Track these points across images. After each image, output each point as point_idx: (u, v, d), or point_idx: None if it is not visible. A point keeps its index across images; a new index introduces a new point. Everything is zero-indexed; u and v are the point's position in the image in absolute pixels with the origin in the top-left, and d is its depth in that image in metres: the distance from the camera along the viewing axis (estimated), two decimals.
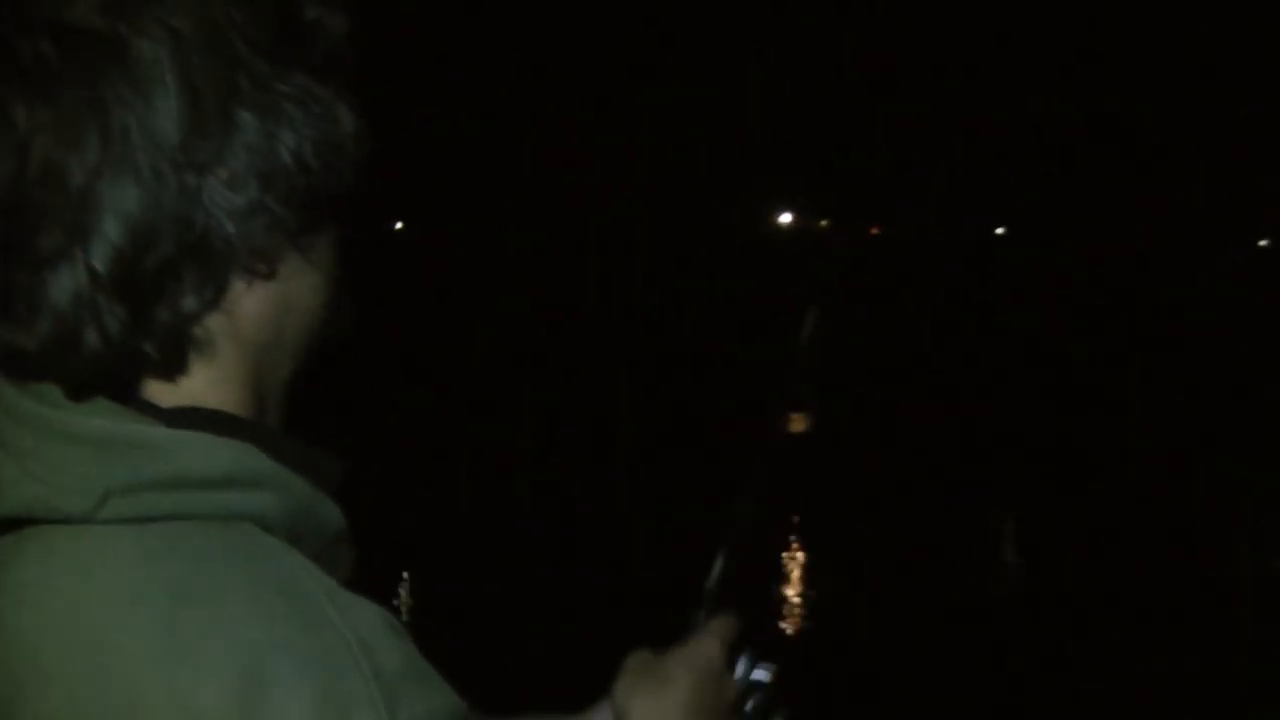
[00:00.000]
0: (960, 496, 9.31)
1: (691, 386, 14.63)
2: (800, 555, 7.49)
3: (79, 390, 0.94)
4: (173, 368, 0.93)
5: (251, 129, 0.90)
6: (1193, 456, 10.86)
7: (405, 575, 6.85)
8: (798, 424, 11.64)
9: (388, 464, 8.22)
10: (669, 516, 7.83)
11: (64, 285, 0.86)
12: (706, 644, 1.23)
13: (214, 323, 0.94)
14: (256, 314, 0.96)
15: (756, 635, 1.26)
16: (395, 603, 6.32)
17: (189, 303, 0.90)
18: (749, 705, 1.24)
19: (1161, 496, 9.30)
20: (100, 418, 0.91)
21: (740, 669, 1.23)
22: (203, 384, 0.96)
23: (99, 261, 0.85)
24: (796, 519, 7.90)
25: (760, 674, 1.24)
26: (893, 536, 8.04)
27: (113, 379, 0.93)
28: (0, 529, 0.91)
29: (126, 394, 0.93)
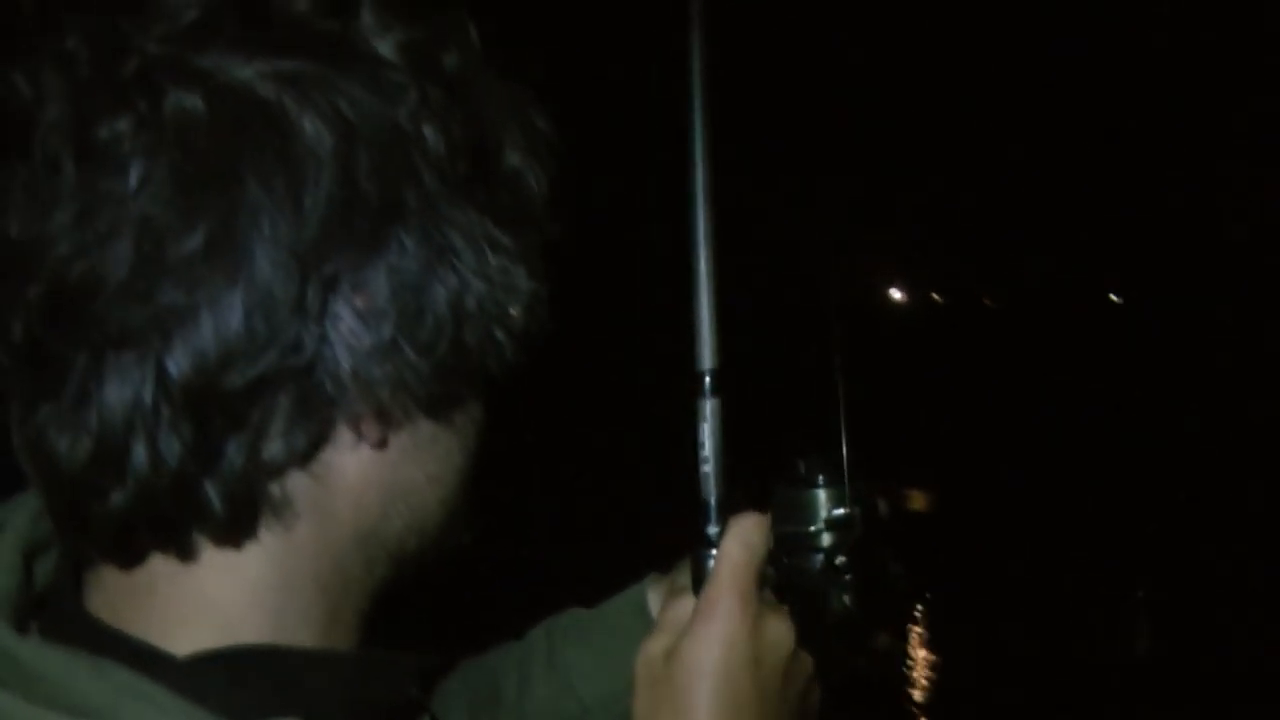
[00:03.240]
0: (1092, 569, 9.28)
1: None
2: (928, 632, 7.56)
3: (81, 562, 0.77)
4: (235, 530, 0.74)
5: (408, 254, 0.73)
6: None
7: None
8: (918, 501, 11.68)
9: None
10: None
11: (126, 380, 0.69)
12: (718, 609, 0.85)
13: (298, 485, 0.75)
14: (355, 491, 0.77)
15: (822, 461, 1.00)
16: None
17: (273, 448, 0.72)
18: (836, 553, 0.97)
19: None
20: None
21: (822, 507, 0.99)
22: (265, 568, 0.76)
23: (175, 363, 0.68)
24: (927, 596, 7.97)
25: (840, 512, 0.99)
26: (1022, 610, 8.07)
27: (140, 543, 0.74)
28: None
29: (151, 594, 0.74)
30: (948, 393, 19.11)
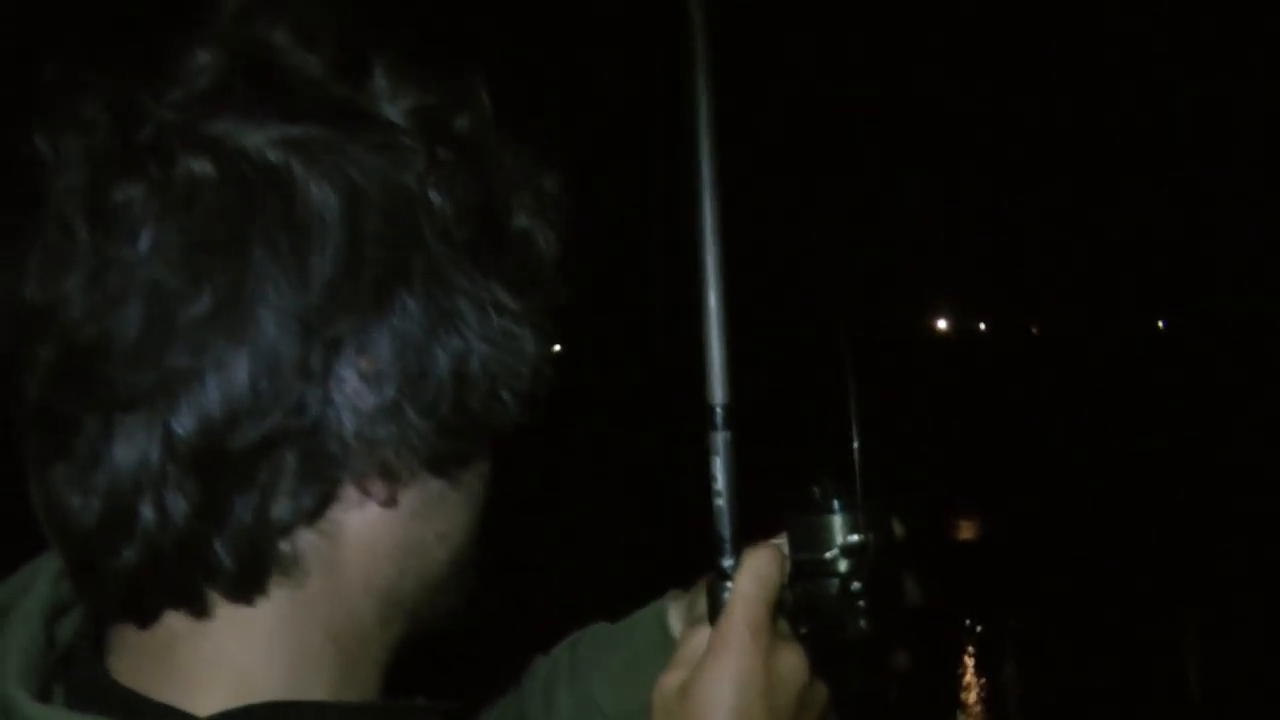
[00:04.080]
0: (1143, 595, 9.19)
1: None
2: (975, 659, 7.51)
3: (99, 627, 0.78)
4: (247, 587, 0.75)
5: (411, 318, 0.74)
6: None
7: None
8: (967, 531, 11.60)
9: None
10: None
11: (134, 441, 0.70)
12: (730, 644, 0.85)
13: (307, 543, 0.76)
14: (366, 548, 0.78)
15: (836, 486, 0.96)
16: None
17: (280, 507, 0.73)
18: (852, 578, 0.95)
19: None
20: None
21: (838, 531, 0.96)
22: (278, 625, 0.76)
23: (180, 424, 0.69)
24: (978, 629, 7.92)
25: (855, 538, 0.96)
26: (1072, 637, 8.00)
27: (154, 599, 0.75)
28: None
29: (168, 651, 0.75)
30: (994, 420, 18.98)
